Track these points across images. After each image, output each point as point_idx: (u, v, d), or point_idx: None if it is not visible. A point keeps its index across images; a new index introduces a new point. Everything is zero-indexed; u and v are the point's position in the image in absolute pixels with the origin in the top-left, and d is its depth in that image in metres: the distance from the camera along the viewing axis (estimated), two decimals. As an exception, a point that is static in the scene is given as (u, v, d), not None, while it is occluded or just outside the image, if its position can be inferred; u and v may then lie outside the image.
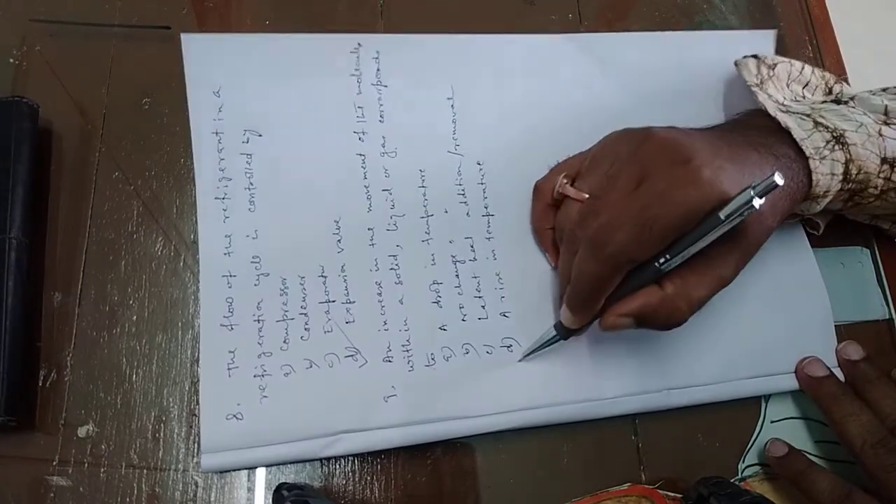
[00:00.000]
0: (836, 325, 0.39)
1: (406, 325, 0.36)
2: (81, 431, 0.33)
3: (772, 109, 0.35)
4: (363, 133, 0.38)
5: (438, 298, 0.36)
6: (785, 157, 0.32)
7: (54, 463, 0.33)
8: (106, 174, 0.38)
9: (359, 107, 0.39)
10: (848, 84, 0.42)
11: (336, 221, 0.37)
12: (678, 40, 0.44)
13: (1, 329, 0.32)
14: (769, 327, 0.38)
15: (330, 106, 0.38)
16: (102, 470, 0.33)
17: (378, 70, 0.39)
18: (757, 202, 0.27)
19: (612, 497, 0.34)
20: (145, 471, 0.33)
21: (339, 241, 0.37)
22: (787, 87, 0.40)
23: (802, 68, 0.41)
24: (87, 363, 0.34)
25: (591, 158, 0.35)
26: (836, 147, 0.34)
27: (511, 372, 0.35)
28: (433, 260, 0.37)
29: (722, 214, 0.28)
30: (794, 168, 0.33)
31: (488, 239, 0.38)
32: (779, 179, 0.27)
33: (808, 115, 0.35)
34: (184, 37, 0.38)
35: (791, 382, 0.37)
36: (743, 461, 0.36)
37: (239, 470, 0.33)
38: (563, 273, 0.34)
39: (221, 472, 0.33)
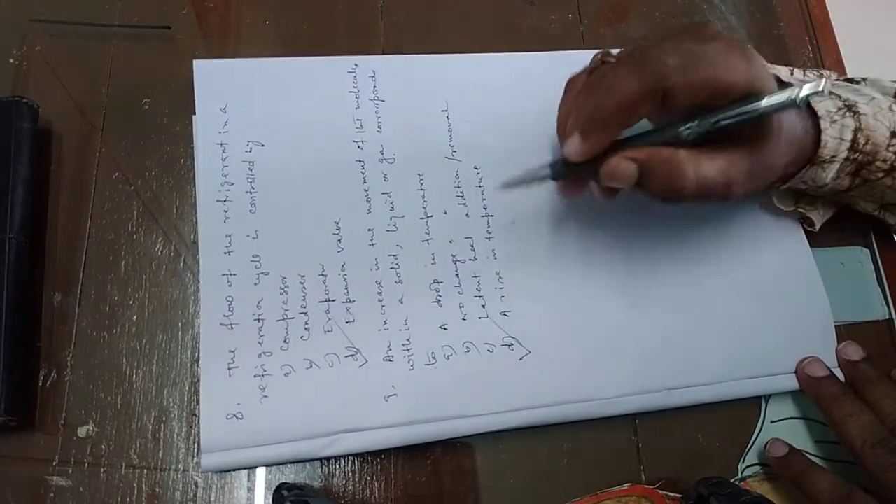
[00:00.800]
0: (836, 326, 0.39)
1: (406, 325, 0.36)
2: (81, 431, 0.33)
3: (784, 75, 0.36)
4: (362, 142, 0.39)
5: (439, 298, 0.36)
6: (799, 115, 0.33)
7: (54, 463, 0.33)
8: (106, 174, 0.38)
9: (357, 119, 0.40)
10: None
11: (336, 222, 0.37)
12: None
13: (1, 329, 0.32)
14: (769, 327, 0.38)
15: (330, 119, 0.39)
16: (102, 470, 0.33)
17: (375, 87, 0.41)
18: (801, 100, 0.28)
19: (612, 497, 0.34)
20: (145, 471, 0.33)
21: (339, 240, 0.37)
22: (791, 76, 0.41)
23: (792, 72, 0.41)
24: (87, 363, 0.34)
25: (633, 44, 0.33)
26: (847, 114, 0.34)
27: (511, 371, 0.35)
28: (433, 259, 0.37)
29: (764, 101, 0.29)
30: (805, 124, 0.33)
31: (488, 238, 0.38)
32: (826, 87, 0.28)
33: (815, 79, 0.36)
34: (196, 63, 0.39)
35: (791, 382, 0.37)
36: (743, 461, 0.36)
37: (239, 470, 0.33)
38: (561, 114, 0.35)
39: (221, 472, 0.33)
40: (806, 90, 0.28)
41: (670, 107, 0.30)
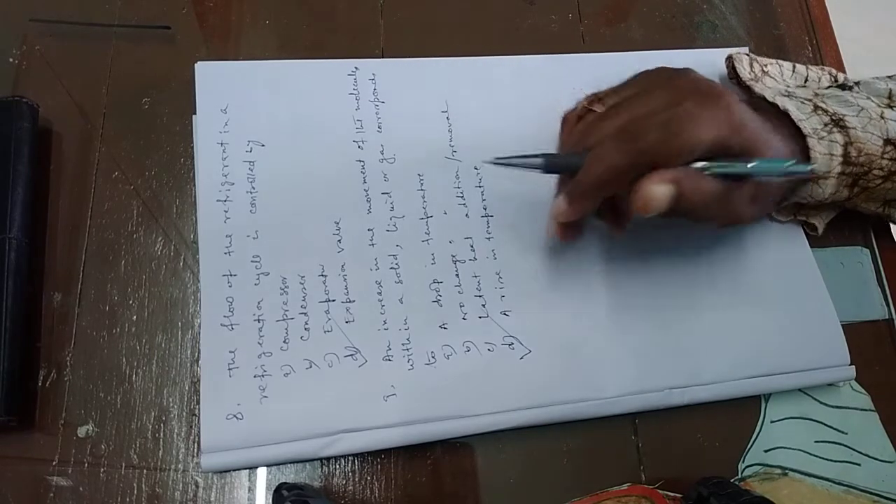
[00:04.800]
0: (836, 325, 0.39)
1: (406, 324, 0.36)
2: (81, 431, 0.33)
3: (770, 95, 0.36)
4: (362, 142, 0.39)
5: (439, 297, 0.36)
6: (787, 137, 0.34)
7: (54, 463, 0.33)
8: (106, 174, 0.38)
9: (357, 120, 0.40)
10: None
11: (336, 222, 0.37)
12: (655, 59, 0.44)
13: (1, 329, 0.32)
14: (768, 328, 0.38)
15: (330, 119, 0.40)
16: (102, 470, 0.33)
17: (375, 89, 0.41)
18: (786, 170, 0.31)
19: (612, 497, 0.34)
20: (145, 471, 0.33)
21: (339, 241, 0.37)
22: (783, 82, 0.41)
23: (794, 68, 0.41)
24: (87, 363, 0.34)
25: (620, 85, 0.35)
26: (835, 129, 0.34)
27: (511, 371, 0.35)
28: (433, 259, 0.37)
29: (785, 166, 0.31)
30: (793, 148, 0.34)
31: (488, 239, 0.38)
32: (816, 167, 0.32)
33: (809, 100, 0.36)
34: (197, 65, 0.39)
35: (791, 382, 0.37)
36: (743, 461, 0.36)
37: (239, 470, 0.33)
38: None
39: (221, 472, 0.33)
40: (792, 166, 0.31)
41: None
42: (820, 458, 0.37)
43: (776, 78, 0.41)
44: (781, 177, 0.33)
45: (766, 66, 0.41)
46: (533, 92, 0.42)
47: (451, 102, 0.41)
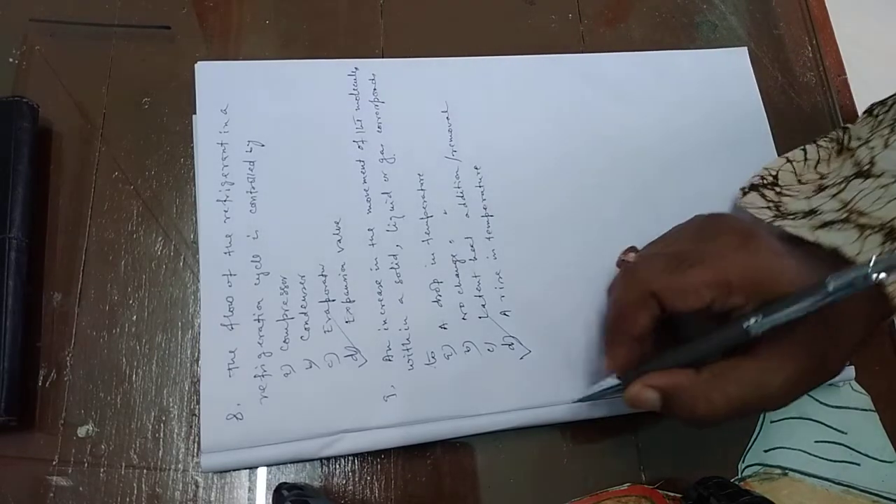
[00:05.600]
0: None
1: (406, 325, 0.36)
2: (81, 431, 0.33)
3: (808, 234, 0.31)
4: (362, 142, 0.39)
5: (439, 297, 0.36)
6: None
7: (54, 463, 0.33)
8: (106, 174, 0.38)
9: (357, 120, 0.40)
10: (849, 122, 0.40)
11: (336, 222, 0.37)
12: (655, 59, 0.45)
13: (1, 329, 0.32)
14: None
15: (330, 119, 0.40)
16: (102, 470, 0.33)
17: (375, 90, 0.41)
18: (875, 274, 0.23)
19: (612, 497, 0.34)
20: (145, 471, 0.33)
21: (339, 240, 0.37)
22: (802, 184, 0.37)
23: (805, 154, 0.38)
24: (87, 363, 0.34)
25: (656, 239, 0.34)
26: (895, 244, 0.29)
27: (511, 371, 0.35)
28: (433, 259, 0.37)
29: (830, 284, 0.24)
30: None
31: (488, 238, 0.38)
32: None
33: (845, 216, 0.31)
34: (198, 65, 0.39)
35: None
36: (743, 461, 0.36)
37: (239, 470, 0.33)
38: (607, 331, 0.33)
39: (221, 472, 0.33)
40: (884, 262, 0.23)
41: (681, 311, 0.28)
42: (820, 458, 0.37)
43: (791, 190, 0.36)
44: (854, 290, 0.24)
45: (775, 175, 0.37)
46: (533, 92, 0.42)
47: (451, 102, 0.41)
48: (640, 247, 0.36)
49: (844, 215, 0.31)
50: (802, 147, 0.39)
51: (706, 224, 0.31)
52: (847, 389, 0.38)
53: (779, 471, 0.36)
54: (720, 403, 0.28)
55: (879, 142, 0.35)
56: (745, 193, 0.38)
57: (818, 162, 0.38)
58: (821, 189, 0.35)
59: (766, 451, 0.36)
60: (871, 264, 0.23)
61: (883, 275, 0.23)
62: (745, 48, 0.46)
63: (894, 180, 0.32)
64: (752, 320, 0.26)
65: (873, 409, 0.38)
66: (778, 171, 0.38)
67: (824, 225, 0.31)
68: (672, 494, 0.35)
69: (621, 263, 0.35)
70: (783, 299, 0.26)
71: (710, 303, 0.28)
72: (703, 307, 0.28)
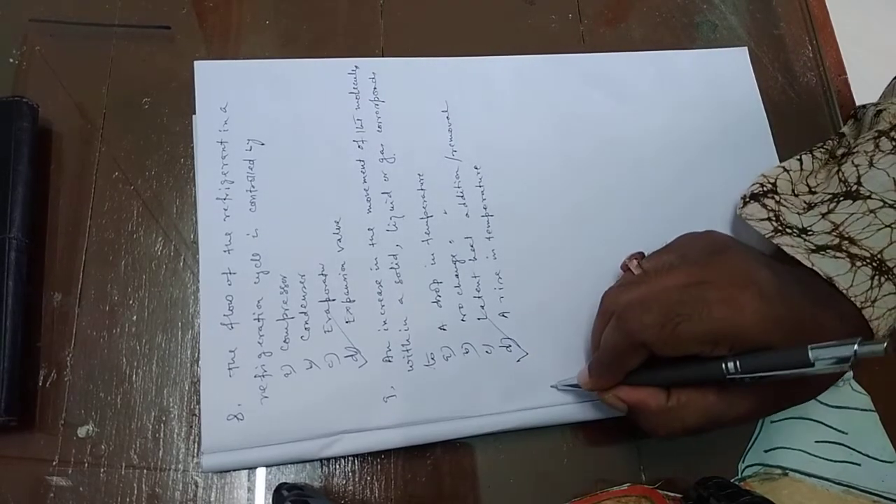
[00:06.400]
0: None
1: (406, 325, 0.36)
2: (81, 431, 0.33)
3: (804, 259, 0.32)
4: (362, 141, 0.39)
5: (438, 298, 0.36)
6: (846, 314, 0.30)
7: (54, 463, 0.33)
8: (106, 174, 0.38)
9: (357, 119, 0.40)
10: (843, 131, 0.40)
11: (336, 222, 0.37)
12: (655, 59, 0.45)
13: (1, 329, 0.32)
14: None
15: (330, 119, 0.40)
16: (102, 470, 0.33)
17: (375, 88, 0.41)
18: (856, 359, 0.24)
19: (612, 497, 0.34)
20: (145, 471, 0.33)
21: (339, 240, 0.37)
22: (795, 196, 0.37)
23: (801, 164, 0.39)
24: (87, 363, 0.34)
25: (665, 247, 0.34)
26: (884, 279, 0.31)
27: (511, 372, 0.35)
28: (433, 259, 0.37)
29: (812, 355, 0.25)
30: (852, 320, 0.30)
31: (488, 238, 0.38)
32: (885, 349, 0.24)
33: (836, 241, 0.32)
34: (196, 64, 0.39)
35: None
36: (743, 461, 0.36)
37: (239, 470, 0.33)
38: (592, 338, 0.34)
39: (221, 472, 0.33)
40: (866, 349, 0.24)
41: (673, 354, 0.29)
42: (820, 458, 0.37)
43: (788, 201, 0.37)
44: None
45: (774, 182, 0.38)
46: (533, 92, 0.42)
47: (451, 102, 0.41)
48: (645, 251, 0.36)
49: (836, 241, 0.32)
50: (798, 157, 0.39)
51: (713, 255, 0.31)
52: (847, 389, 0.38)
53: (779, 471, 0.36)
54: (677, 428, 0.31)
55: (864, 159, 0.35)
56: (745, 203, 0.38)
57: (811, 173, 0.39)
58: (810, 206, 0.36)
59: (766, 452, 0.36)
60: (855, 349, 0.25)
61: (864, 351, 0.25)
62: (745, 48, 0.46)
63: (882, 205, 0.33)
64: (731, 367, 0.28)
65: (873, 409, 0.38)
66: (776, 179, 0.38)
67: (818, 249, 0.32)
68: (672, 494, 0.35)
69: (625, 268, 0.35)
70: (765, 356, 0.27)
71: (696, 354, 0.29)
72: (689, 356, 0.29)
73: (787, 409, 0.33)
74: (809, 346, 0.26)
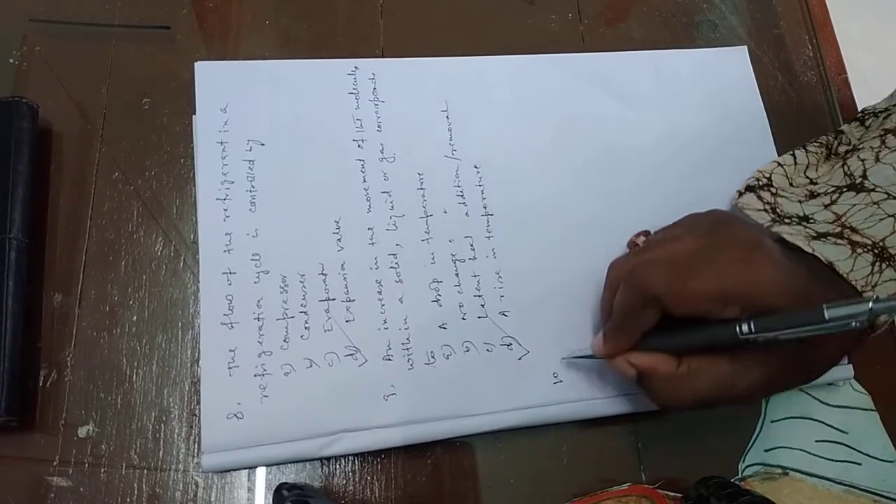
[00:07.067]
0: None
1: (406, 324, 0.36)
2: (82, 431, 0.33)
3: (805, 245, 0.32)
4: (362, 141, 0.39)
5: (438, 297, 0.36)
6: (847, 297, 0.30)
7: (54, 463, 0.33)
8: (106, 174, 0.38)
9: (357, 119, 0.40)
10: (842, 130, 0.40)
11: (336, 221, 0.37)
12: (655, 58, 0.45)
13: (1, 329, 0.32)
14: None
15: (329, 119, 0.40)
16: (103, 470, 0.33)
17: (374, 89, 0.41)
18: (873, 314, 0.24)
19: (612, 497, 0.34)
20: (145, 471, 0.33)
21: (339, 239, 0.37)
22: (793, 187, 0.38)
23: (795, 158, 0.39)
24: (87, 363, 0.34)
25: (671, 224, 0.34)
26: (884, 266, 0.31)
27: (511, 371, 0.35)
28: (433, 259, 0.37)
29: (827, 313, 0.25)
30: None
31: (488, 238, 0.38)
32: None
33: (838, 230, 0.32)
34: (197, 65, 0.39)
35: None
36: (743, 461, 0.36)
37: (239, 470, 0.33)
38: (602, 310, 0.34)
39: (222, 472, 0.33)
40: (882, 304, 0.24)
41: (687, 313, 0.29)
42: (820, 457, 0.37)
43: (785, 192, 0.37)
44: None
45: (769, 177, 0.38)
46: (533, 92, 0.42)
47: (451, 102, 0.41)
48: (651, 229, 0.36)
49: (838, 229, 0.33)
50: (792, 152, 0.39)
51: (718, 225, 0.31)
52: (847, 389, 0.38)
53: (779, 470, 0.36)
54: (687, 398, 0.30)
55: (870, 154, 0.36)
56: (741, 195, 0.38)
57: (808, 167, 0.39)
58: (812, 195, 0.36)
59: (766, 451, 0.36)
60: (871, 306, 0.24)
61: (882, 306, 0.24)
62: (745, 47, 0.46)
63: (886, 197, 0.33)
64: (745, 328, 0.28)
65: (874, 408, 0.38)
66: (771, 174, 0.38)
67: (819, 236, 0.32)
68: (672, 494, 0.35)
69: (632, 245, 0.36)
70: (779, 316, 0.27)
71: (706, 312, 0.29)
72: (699, 315, 0.29)
73: (796, 387, 0.32)
74: (825, 304, 0.25)
